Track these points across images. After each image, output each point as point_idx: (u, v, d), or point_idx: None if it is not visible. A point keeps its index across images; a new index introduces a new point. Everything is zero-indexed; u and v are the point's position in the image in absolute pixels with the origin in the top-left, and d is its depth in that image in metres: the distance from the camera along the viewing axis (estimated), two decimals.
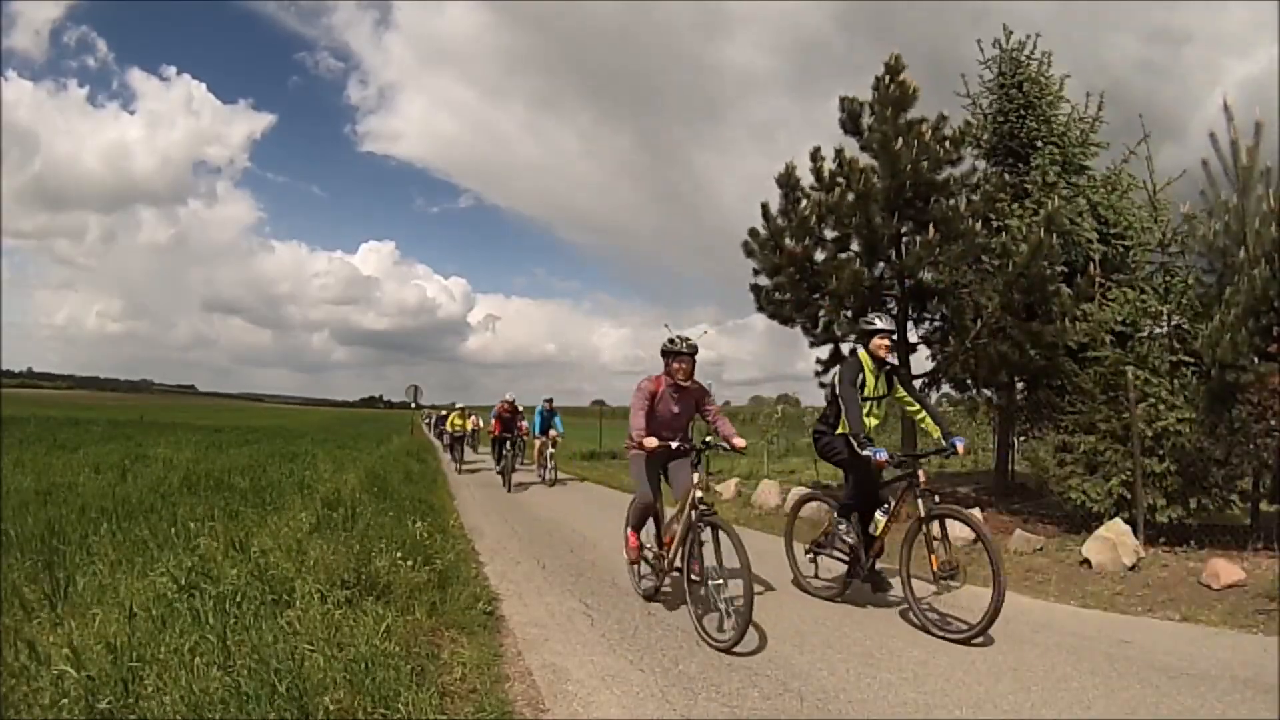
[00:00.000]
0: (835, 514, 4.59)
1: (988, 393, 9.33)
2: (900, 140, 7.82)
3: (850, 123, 8.60)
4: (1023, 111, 8.60)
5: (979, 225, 7.62)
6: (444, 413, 24.18)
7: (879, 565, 4.50)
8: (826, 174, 8.56)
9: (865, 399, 4.36)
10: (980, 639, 3.71)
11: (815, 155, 8.72)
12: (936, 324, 8.77)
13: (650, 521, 4.59)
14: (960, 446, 4.17)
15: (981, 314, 7.68)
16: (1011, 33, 8.83)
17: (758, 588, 4.42)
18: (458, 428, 17.10)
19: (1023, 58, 8.75)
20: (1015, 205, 8.03)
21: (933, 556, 3.93)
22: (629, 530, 4.70)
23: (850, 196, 8.02)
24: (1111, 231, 8.03)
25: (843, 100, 8.59)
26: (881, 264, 8.44)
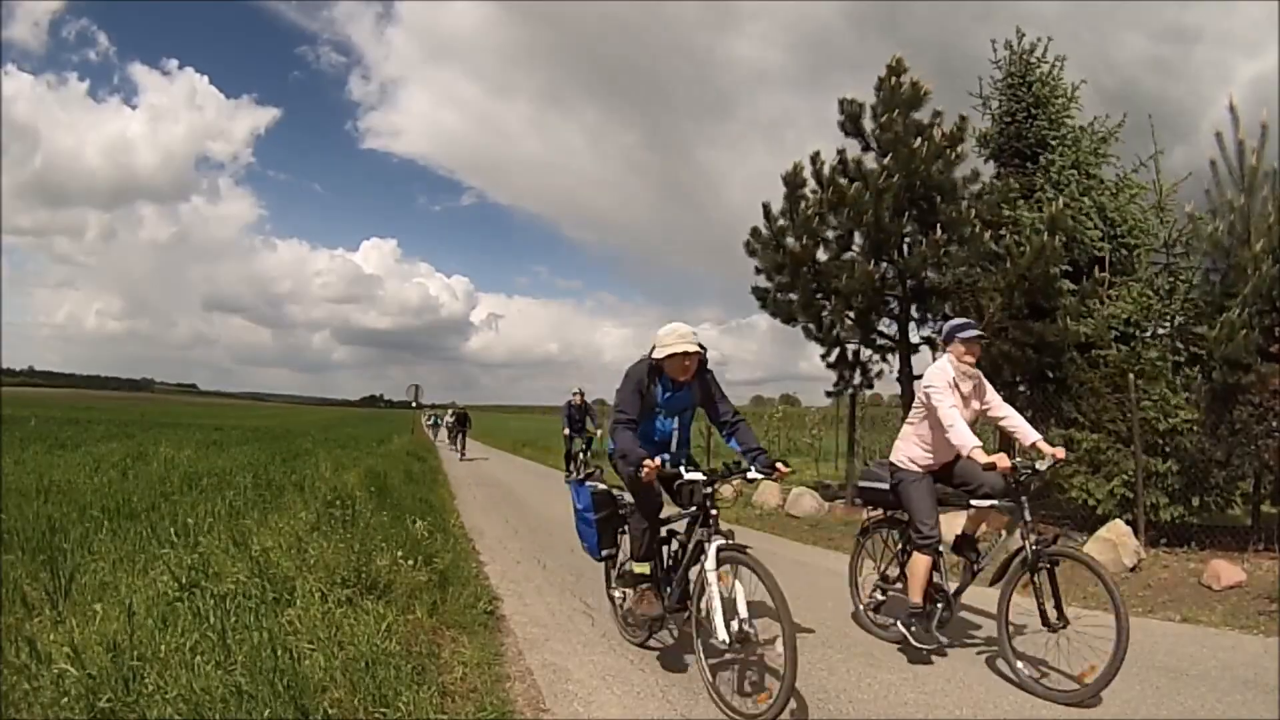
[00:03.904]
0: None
1: None
2: (906, 140, 7.81)
3: (850, 124, 8.59)
4: (1032, 111, 8.57)
5: (980, 227, 7.62)
6: (459, 412, 21.58)
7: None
8: (827, 175, 8.56)
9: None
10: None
11: (815, 158, 8.71)
12: (939, 324, 8.77)
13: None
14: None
15: (984, 314, 7.67)
16: (1024, 35, 8.77)
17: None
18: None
19: (1033, 59, 8.71)
20: (1023, 205, 8.02)
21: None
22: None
23: (859, 196, 8.01)
24: (1117, 232, 8.02)
25: (842, 102, 8.59)
26: (885, 264, 8.44)
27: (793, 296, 8.78)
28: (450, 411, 26.19)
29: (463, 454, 19.07)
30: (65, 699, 2.41)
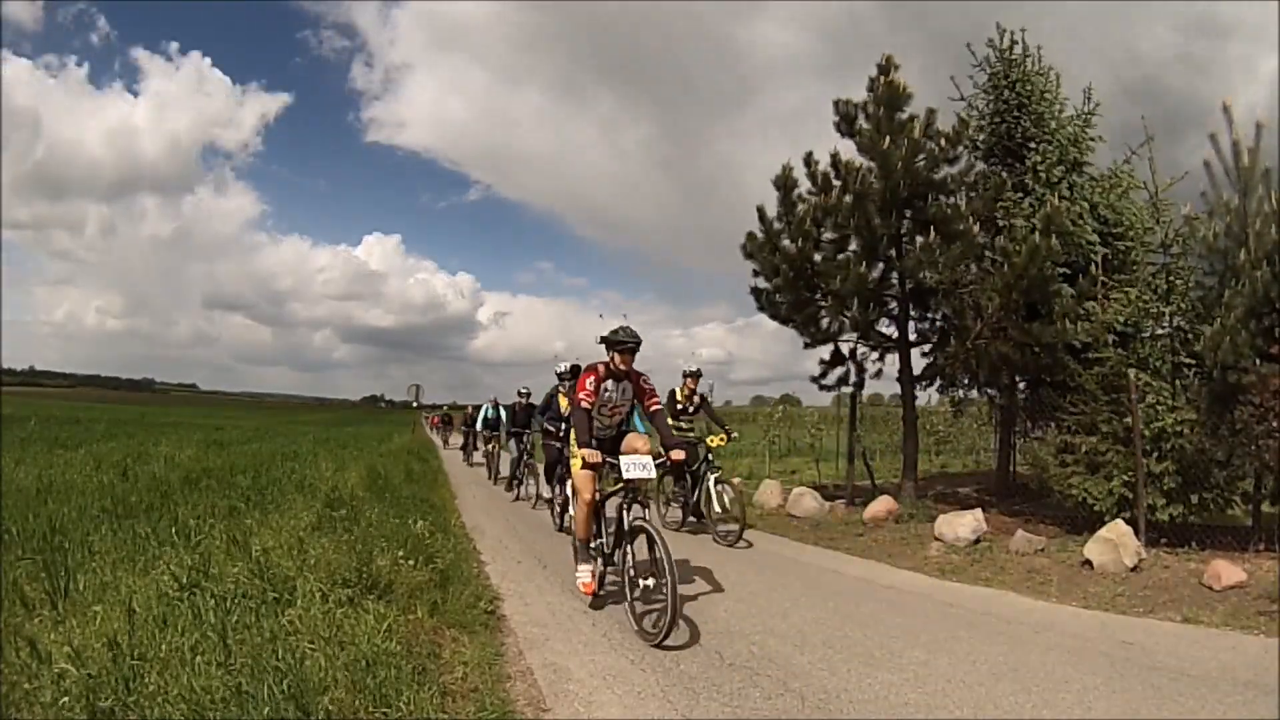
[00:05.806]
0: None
1: (990, 392, 9.33)
2: (890, 139, 7.78)
3: (845, 125, 8.55)
4: (1018, 111, 8.55)
5: (977, 226, 7.59)
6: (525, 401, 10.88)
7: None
8: (821, 176, 8.53)
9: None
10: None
11: (809, 160, 8.69)
12: (937, 324, 8.76)
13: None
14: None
15: (982, 314, 7.66)
16: (1005, 31, 8.74)
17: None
18: None
19: (1016, 56, 8.67)
20: (1016, 204, 8.01)
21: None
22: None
23: (847, 198, 7.99)
24: (1112, 231, 8.01)
25: (837, 103, 8.55)
26: (881, 264, 8.42)
27: (788, 298, 8.76)
28: (487, 407, 13.83)
29: (538, 497, 9.16)
30: (65, 699, 2.41)
